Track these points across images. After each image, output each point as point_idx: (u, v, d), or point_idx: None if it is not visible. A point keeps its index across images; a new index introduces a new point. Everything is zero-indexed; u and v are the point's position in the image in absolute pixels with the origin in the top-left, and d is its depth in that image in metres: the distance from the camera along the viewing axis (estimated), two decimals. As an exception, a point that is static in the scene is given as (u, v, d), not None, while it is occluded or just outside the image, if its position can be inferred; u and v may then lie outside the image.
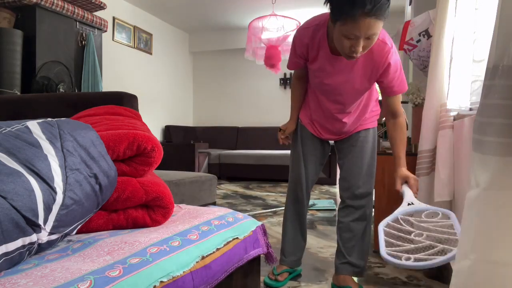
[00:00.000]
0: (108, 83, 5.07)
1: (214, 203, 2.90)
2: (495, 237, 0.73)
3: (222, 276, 1.03)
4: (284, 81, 7.06)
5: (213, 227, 1.12)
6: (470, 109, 1.73)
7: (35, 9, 3.48)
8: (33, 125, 0.96)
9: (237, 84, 7.40)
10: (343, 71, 1.59)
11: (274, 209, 3.55)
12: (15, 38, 3.31)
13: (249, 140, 6.89)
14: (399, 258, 1.10)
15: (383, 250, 1.14)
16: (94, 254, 0.83)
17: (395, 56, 1.54)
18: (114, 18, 5.42)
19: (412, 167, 2.12)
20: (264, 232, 1.34)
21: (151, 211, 1.10)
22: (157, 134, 6.60)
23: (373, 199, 1.89)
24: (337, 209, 3.67)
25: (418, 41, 2.28)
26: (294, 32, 5.15)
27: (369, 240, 1.84)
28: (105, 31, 4.41)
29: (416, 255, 1.08)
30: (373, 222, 2.79)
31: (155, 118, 6.47)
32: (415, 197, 1.53)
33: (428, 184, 1.91)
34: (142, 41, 6.09)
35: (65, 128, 0.99)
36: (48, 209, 0.81)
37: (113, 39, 5.45)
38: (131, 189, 1.07)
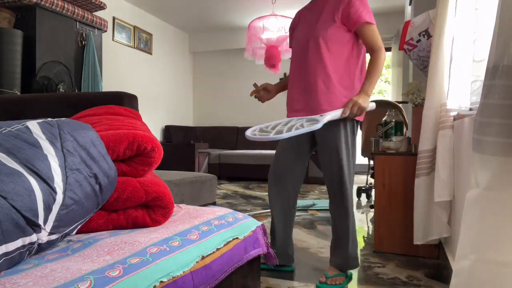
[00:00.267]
0: (108, 83, 5.07)
1: (214, 203, 2.90)
2: (495, 237, 0.73)
3: (222, 276, 1.03)
4: (284, 81, 7.06)
5: (213, 227, 1.12)
6: (470, 109, 1.73)
7: (35, 9, 3.48)
8: (33, 125, 0.96)
9: (237, 84, 7.40)
10: (310, 22, 1.80)
11: (274, 209, 3.54)
12: (15, 38, 3.31)
13: (249, 140, 6.88)
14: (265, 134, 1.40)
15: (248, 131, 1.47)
16: (94, 254, 0.83)
17: None
18: (114, 18, 5.42)
19: (412, 167, 2.12)
20: (264, 232, 1.34)
21: (151, 211, 1.10)
22: (157, 134, 6.60)
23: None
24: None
25: (418, 41, 2.27)
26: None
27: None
28: (105, 31, 4.41)
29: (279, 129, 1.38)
30: (373, 222, 2.79)
31: (155, 118, 6.47)
32: (344, 113, 1.63)
33: (428, 184, 1.91)
34: (142, 41, 6.09)
35: (65, 128, 0.99)
36: (48, 209, 0.81)
37: (113, 39, 5.45)
38: (131, 189, 1.07)
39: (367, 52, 1.79)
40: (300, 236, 2.66)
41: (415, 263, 2.09)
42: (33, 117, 1.17)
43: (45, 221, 0.80)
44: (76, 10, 3.88)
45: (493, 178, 0.72)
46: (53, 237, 0.85)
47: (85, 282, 0.69)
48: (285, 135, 1.36)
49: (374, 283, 1.81)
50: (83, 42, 4.06)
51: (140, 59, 6.09)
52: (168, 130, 6.67)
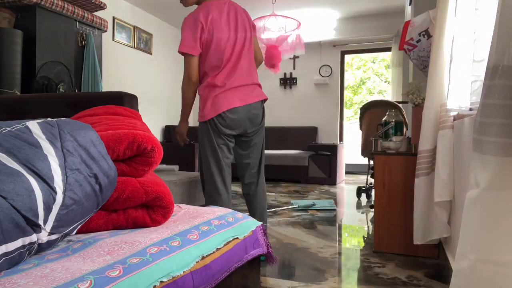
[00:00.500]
0: (108, 83, 5.07)
1: (214, 203, 2.89)
2: (495, 237, 0.73)
3: (222, 276, 1.03)
4: (284, 81, 7.06)
5: (213, 227, 1.12)
6: (470, 109, 1.73)
7: (35, 9, 3.48)
8: (33, 125, 0.96)
9: (237, 84, 7.39)
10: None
11: (274, 209, 3.55)
12: (15, 38, 3.30)
13: (249, 140, 6.88)
14: None
15: None
16: (94, 254, 0.83)
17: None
18: (114, 18, 5.42)
19: (412, 167, 2.12)
20: (264, 232, 1.34)
21: (151, 211, 1.10)
22: (157, 134, 6.59)
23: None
24: (337, 209, 3.67)
25: (418, 41, 2.27)
26: (295, 32, 5.13)
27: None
28: (105, 31, 4.41)
29: None
30: (373, 222, 2.79)
31: (155, 118, 6.47)
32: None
33: (428, 184, 1.91)
34: (142, 41, 6.09)
35: (65, 128, 0.99)
36: (48, 209, 0.81)
37: (113, 39, 5.44)
38: (131, 189, 1.07)
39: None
40: (300, 236, 2.66)
41: (415, 263, 2.09)
42: (33, 117, 1.17)
43: (45, 221, 0.80)
44: (76, 10, 3.88)
45: (493, 178, 0.72)
46: (53, 237, 0.85)
47: (85, 282, 0.69)
48: None
49: (374, 283, 1.81)
50: (83, 42, 4.06)
51: (140, 59, 6.09)
52: (168, 130, 6.67)
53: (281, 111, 6.99)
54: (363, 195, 4.38)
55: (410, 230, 2.07)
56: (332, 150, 5.64)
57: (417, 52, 2.32)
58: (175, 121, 7.02)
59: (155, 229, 1.06)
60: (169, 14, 6.28)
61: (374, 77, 10.97)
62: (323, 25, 6.22)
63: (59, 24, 3.75)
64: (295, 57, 6.72)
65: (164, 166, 2.87)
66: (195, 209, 1.32)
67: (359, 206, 3.93)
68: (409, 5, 3.99)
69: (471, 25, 1.70)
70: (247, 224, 1.26)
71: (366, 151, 3.87)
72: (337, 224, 3.04)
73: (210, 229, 1.10)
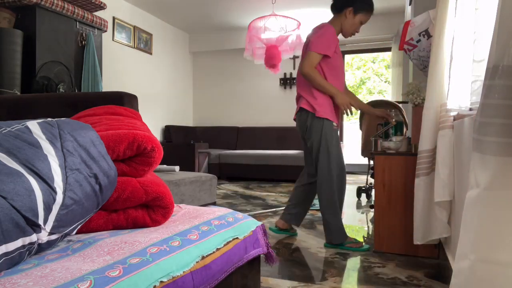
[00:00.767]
0: (108, 83, 5.07)
1: (214, 203, 2.90)
2: (495, 237, 0.73)
3: (222, 276, 1.03)
4: (284, 81, 7.06)
5: (213, 227, 1.12)
6: (470, 109, 1.73)
7: (35, 9, 3.48)
8: (33, 125, 0.96)
9: (237, 84, 7.40)
10: None
11: (274, 209, 3.55)
12: (15, 38, 3.31)
13: (249, 140, 6.89)
14: None
15: None
16: (94, 254, 0.83)
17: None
18: (114, 18, 5.42)
19: (412, 167, 2.12)
20: (264, 232, 1.34)
21: (151, 211, 1.10)
22: (157, 134, 6.60)
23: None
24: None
25: (418, 41, 2.27)
26: (295, 32, 5.12)
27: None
28: (105, 31, 4.41)
29: None
30: (373, 222, 2.79)
31: (155, 118, 6.47)
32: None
33: (428, 184, 1.91)
34: (142, 41, 6.09)
35: (65, 128, 0.99)
36: (48, 209, 0.81)
37: (113, 39, 5.45)
38: (131, 189, 1.07)
39: None
40: (300, 236, 2.66)
41: (415, 263, 2.09)
42: (33, 117, 1.17)
43: (45, 221, 0.80)
44: (76, 10, 3.88)
45: (493, 178, 0.72)
46: (53, 237, 0.85)
47: (85, 282, 0.69)
48: None
49: (374, 283, 1.81)
50: (83, 42, 4.06)
51: (140, 59, 6.09)
52: (168, 130, 6.67)
53: (281, 111, 6.99)
54: (363, 195, 4.38)
55: (410, 230, 2.06)
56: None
57: (417, 52, 2.31)
58: (175, 121, 7.03)
59: (155, 229, 1.06)
60: (169, 14, 6.28)
61: (374, 77, 10.97)
62: (323, 25, 6.21)
63: (59, 24, 3.75)
64: (295, 57, 6.72)
65: (164, 166, 2.88)
66: (195, 209, 1.32)
67: (359, 206, 3.93)
68: (409, 5, 3.99)
69: (471, 25, 1.70)
70: (247, 224, 1.26)
71: (366, 151, 3.87)
72: (337, 224, 3.04)
73: (210, 229, 1.10)
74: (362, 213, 3.59)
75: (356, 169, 6.86)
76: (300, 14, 5.81)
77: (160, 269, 0.82)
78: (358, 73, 11.06)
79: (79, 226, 0.96)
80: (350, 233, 2.85)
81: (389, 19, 5.80)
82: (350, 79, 10.88)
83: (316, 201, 3.85)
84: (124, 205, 1.07)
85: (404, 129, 2.80)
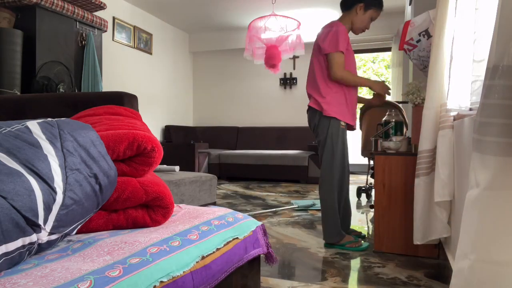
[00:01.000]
0: (108, 83, 5.07)
1: (214, 203, 2.90)
2: (495, 237, 0.73)
3: (222, 276, 1.03)
4: (284, 81, 7.06)
5: (213, 227, 1.12)
6: (470, 109, 1.73)
7: (35, 9, 3.48)
8: (33, 125, 0.96)
9: (237, 84, 7.40)
10: None
11: (274, 209, 3.55)
12: (15, 38, 3.31)
13: (249, 140, 6.89)
14: None
15: None
16: (94, 254, 0.83)
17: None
18: (114, 18, 5.42)
19: (412, 167, 2.12)
20: (264, 232, 1.34)
21: (151, 211, 1.10)
22: (157, 134, 6.59)
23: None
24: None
25: (418, 41, 2.27)
26: (296, 32, 5.11)
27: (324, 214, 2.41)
28: (105, 31, 4.41)
29: None
30: (373, 222, 2.79)
31: (155, 118, 6.47)
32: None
33: (428, 184, 1.91)
34: (142, 41, 6.09)
35: (65, 128, 0.99)
36: (48, 209, 0.81)
37: (113, 39, 5.45)
38: (131, 189, 1.07)
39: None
40: (300, 236, 2.66)
41: (415, 263, 2.09)
42: (33, 117, 1.17)
43: (45, 221, 0.80)
44: (76, 10, 3.88)
45: (493, 178, 0.72)
46: (53, 237, 0.85)
47: (85, 282, 0.69)
48: None
49: (374, 283, 1.81)
50: (83, 42, 4.06)
51: (140, 59, 6.09)
52: (168, 130, 6.67)
53: (281, 111, 6.99)
54: (363, 195, 4.38)
55: (410, 230, 2.06)
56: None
57: (417, 52, 2.31)
58: (175, 121, 7.03)
59: (155, 229, 1.06)
60: (169, 14, 6.28)
61: (374, 77, 10.97)
62: (323, 25, 6.22)
63: (59, 24, 3.75)
64: (295, 57, 6.72)
65: (164, 166, 2.88)
66: (195, 209, 1.32)
67: (359, 206, 3.93)
68: (409, 5, 3.99)
69: (471, 25, 1.70)
70: (247, 224, 1.26)
71: (366, 151, 3.87)
72: (337, 224, 3.04)
73: (210, 229, 1.10)
74: (362, 213, 3.59)
75: (356, 169, 6.86)
76: (300, 14, 5.81)
77: (160, 269, 0.82)
78: (358, 73, 11.05)
79: (79, 226, 0.96)
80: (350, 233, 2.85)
81: (389, 19, 5.80)
82: (350, 79, 10.86)
83: (316, 201, 3.85)
84: (124, 205, 1.07)
85: (404, 129, 2.80)
